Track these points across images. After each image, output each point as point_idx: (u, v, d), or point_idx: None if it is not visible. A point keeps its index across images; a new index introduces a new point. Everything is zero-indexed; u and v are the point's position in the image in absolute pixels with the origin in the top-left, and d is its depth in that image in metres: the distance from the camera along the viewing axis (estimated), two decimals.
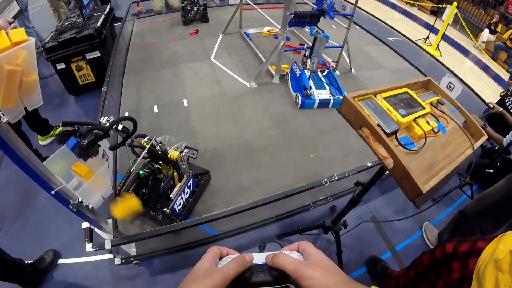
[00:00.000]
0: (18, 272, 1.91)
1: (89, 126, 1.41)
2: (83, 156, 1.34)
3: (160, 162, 2.27)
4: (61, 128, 1.40)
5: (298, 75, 4.05)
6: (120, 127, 1.62)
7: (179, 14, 6.24)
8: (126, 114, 3.51)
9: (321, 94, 3.85)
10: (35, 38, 4.13)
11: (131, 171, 1.98)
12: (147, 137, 2.04)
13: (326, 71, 4.17)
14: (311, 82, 3.90)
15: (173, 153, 2.20)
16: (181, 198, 2.34)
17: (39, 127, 2.99)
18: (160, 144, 2.15)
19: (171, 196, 2.25)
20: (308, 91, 3.82)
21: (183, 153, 2.30)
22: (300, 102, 3.79)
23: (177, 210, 2.30)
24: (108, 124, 1.53)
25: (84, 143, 1.35)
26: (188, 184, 2.43)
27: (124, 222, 2.41)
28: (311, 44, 3.97)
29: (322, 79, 4.07)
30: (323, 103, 3.83)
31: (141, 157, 1.99)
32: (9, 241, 2.33)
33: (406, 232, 2.63)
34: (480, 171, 3.01)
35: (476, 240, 1.18)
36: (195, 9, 5.86)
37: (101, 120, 1.62)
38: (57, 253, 2.24)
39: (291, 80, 4.18)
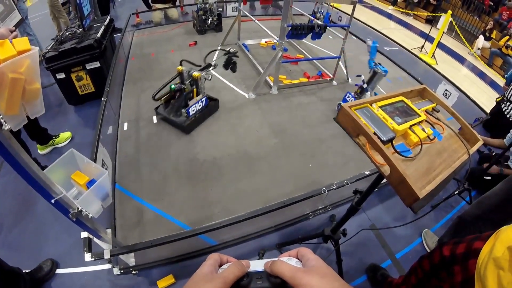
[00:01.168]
0: (16, 281, 1.89)
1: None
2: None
3: (187, 85, 3.32)
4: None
5: None
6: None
7: (179, 25, 6.33)
8: (126, 124, 3.53)
9: None
10: (38, 47, 4.17)
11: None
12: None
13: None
14: None
15: (195, 74, 3.28)
16: (195, 107, 3.39)
17: (38, 136, 3.01)
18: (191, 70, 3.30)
19: (189, 103, 3.33)
20: None
21: (203, 74, 3.36)
22: None
23: (190, 114, 3.37)
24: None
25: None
26: (202, 100, 3.48)
27: (123, 232, 2.41)
28: (310, 56, 4.00)
29: None
30: None
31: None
32: (7, 250, 2.32)
33: (406, 240, 2.63)
34: (477, 177, 3.03)
35: (471, 240, 1.19)
36: (210, 19, 5.94)
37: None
38: (55, 263, 2.22)
39: None
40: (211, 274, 0.47)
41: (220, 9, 5.32)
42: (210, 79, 3.45)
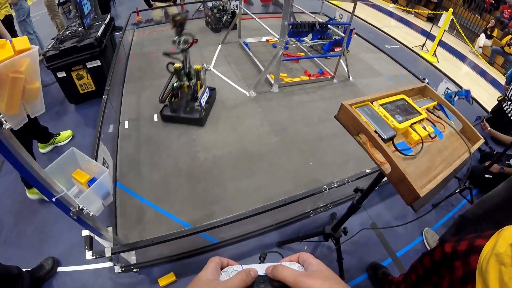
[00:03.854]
0: (14, 282, 1.88)
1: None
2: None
3: (184, 81, 3.33)
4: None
5: None
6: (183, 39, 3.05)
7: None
8: (126, 123, 3.53)
9: None
10: (37, 45, 4.13)
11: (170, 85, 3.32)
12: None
13: None
14: None
15: (197, 66, 3.35)
16: (204, 98, 3.49)
17: (38, 134, 3.01)
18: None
19: (198, 95, 3.42)
20: None
21: (204, 65, 3.39)
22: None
23: (203, 105, 3.46)
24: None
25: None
26: (206, 90, 3.56)
27: (124, 230, 2.42)
28: (309, 54, 4.00)
29: None
30: None
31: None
32: (8, 248, 2.33)
33: (407, 238, 2.63)
34: (479, 175, 3.02)
35: (473, 238, 1.19)
36: (225, 17, 5.96)
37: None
38: (56, 261, 2.22)
39: None
40: (215, 281, 0.47)
41: (235, 6, 5.28)
42: (210, 69, 3.56)
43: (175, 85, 3.32)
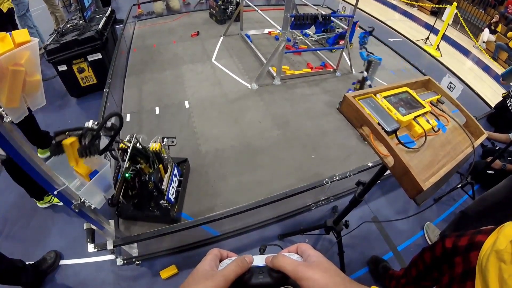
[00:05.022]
0: (18, 274, 1.90)
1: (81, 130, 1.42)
2: (85, 155, 1.34)
3: (141, 163, 2.18)
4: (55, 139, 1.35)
5: None
6: (108, 124, 1.57)
7: (180, 16, 6.30)
8: (128, 116, 3.52)
9: None
10: (38, 39, 4.06)
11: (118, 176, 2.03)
12: (127, 137, 2.03)
13: None
14: None
15: (154, 146, 2.28)
16: (172, 187, 2.43)
17: (39, 140, 2.93)
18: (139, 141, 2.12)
19: (162, 188, 2.29)
20: None
21: (164, 143, 2.39)
22: None
23: (172, 200, 2.39)
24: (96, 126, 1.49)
25: (86, 143, 1.36)
26: (174, 173, 2.53)
27: (126, 223, 2.42)
28: (313, 47, 3.96)
29: None
30: None
31: (127, 158, 1.93)
32: (11, 242, 2.34)
33: (408, 232, 2.63)
34: (480, 171, 3.01)
35: (474, 234, 1.19)
36: (230, 8, 5.92)
37: (86, 125, 1.52)
38: (59, 254, 2.24)
39: None
40: (212, 271, 0.47)
41: None
42: (175, 144, 2.56)
43: (127, 175, 2.10)
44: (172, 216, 2.35)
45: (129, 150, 1.95)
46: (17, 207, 2.61)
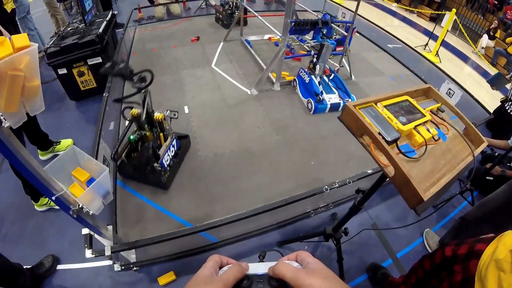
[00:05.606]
0: (16, 277, 1.89)
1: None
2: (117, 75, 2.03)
3: (147, 130, 2.55)
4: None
5: (307, 81, 4.08)
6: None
7: (181, 21, 6.32)
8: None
9: (332, 98, 3.93)
10: (38, 42, 4.08)
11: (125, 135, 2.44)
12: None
13: (332, 75, 4.22)
14: (321, 88, 3.95)
15: (157, 115, 2.59)
16: (168, 155, 2.72)
17: (39, 141, 2.94)
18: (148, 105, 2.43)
19: (159, 153, 2.58)
20: (320, 96, 3.87)
21: (166, 114, 2.67)
22: (313, 107, 3.84)
23: (165, 166, 2.66)
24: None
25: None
26: (173, 144, 2.82)
27: (124, 229, 2.41)
28: (312, 50, 3.99)
29: (330, 83, 4.11)
30: (334, 107, 3.92)
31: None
32: (8, 246, 2.32)
33: (407, 239, 2.62)
34: (480, 177, 3.01)
35: (474, 242, 1.18)
36: (236, 13, 5.95)
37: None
38: (56, 258, 2.22)
39: (300, 87, 4.21)
40: (211, 277, 0.47)
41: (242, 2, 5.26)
42: (177, 117, 2.78)
43: (131, 137, 2.48)
44: (163, 181, 2.65)
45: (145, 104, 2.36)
46: (14, 209, 2.60)
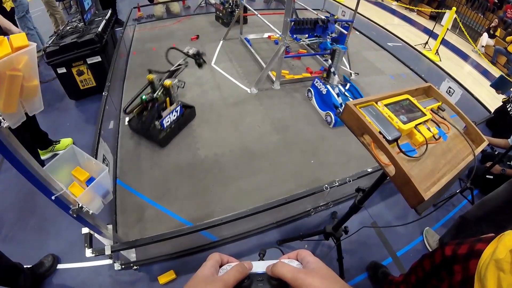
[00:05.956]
0: (16, 277, 1.89)
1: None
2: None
3: (159, 94, 3.01)
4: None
5: (324, 93, 3.80)
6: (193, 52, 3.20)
7: (180, 19, 6.31)
8: (127, 119, 3.50)
9: None
10: (38, 41, 4.08)
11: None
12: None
13: (348, 84, 4.01)
14: (340, 99, 3.65)
15: (167, 82, 3.02)
16: (169, 118, 3.18)
17: (38, 140, 2.93)
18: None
19: (162, 114, 3.07)
20: (340, 109, 3.59)
21: (174, 82, 3.10)
22: (333, 121, 3.63)
23: (165, 126, 3.14)
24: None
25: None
26: (176, 109, 3.26)
27: (124, 228, 2.41)
28: (312, 51, 3.96)
29: (347, 94, 3.87)
30: None
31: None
32: (8, 245, 2.32)
33: (407, 238, 2.62)
34: (480, 176, 3.01)
35: (474, 242, 1.18)
36: (237, 11, 5.94)
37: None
38: (56, 258, 2.22)
39: (316, 98, 3.98)
40: (212, 276, 0.47)
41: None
42: (183, 87, 3.25)
43: (143, 97, 2.98)
44: (160, 138, 3.11)
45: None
46: (15, 209, 2.60)
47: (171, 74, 3.14)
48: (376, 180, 1.37)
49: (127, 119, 3.47)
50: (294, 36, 5.23)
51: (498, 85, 3.80)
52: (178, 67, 3.15)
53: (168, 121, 3.16)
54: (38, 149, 2.99)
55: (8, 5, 3.61)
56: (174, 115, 3.25)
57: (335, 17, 5.07)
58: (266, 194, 2.76)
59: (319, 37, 4.29)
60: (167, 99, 3.12)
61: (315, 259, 0.49)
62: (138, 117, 3.16)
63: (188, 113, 3.47)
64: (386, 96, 1.16)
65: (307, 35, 4.32)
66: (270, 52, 4.98)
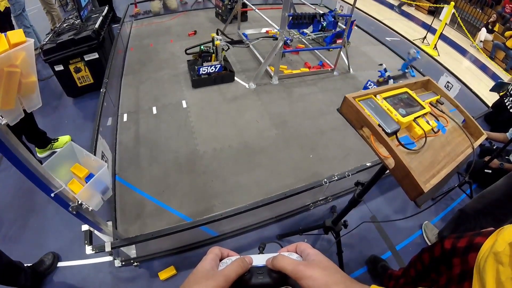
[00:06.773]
0: (17, 275, 1.89)
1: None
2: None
3: (213, 50, 4.01)
4: None
5: None
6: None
7: (177, 15, 6.27)
8: (125, 116, 3.50)
9: None
10: (34, 39, 4.07)
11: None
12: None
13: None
14: None
15: (217, 42, 3.90)
16: (206, 69, 3.98)
17: (36, 138, 2.91)
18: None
19: (204, 64, 3.96)
20: None
21: (222, 44, 3.96)
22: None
23: (200, 72, 3.97)
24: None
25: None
26: (216, 66, 4.01)
27: (124, 224, 2.41)
28: (310, 46, 3.96)
29: None
30: None
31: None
32: (8, 244, 2.32)
33: (406, 232, 2.63)
34: (478, 170, 3.02)
35: (473, 235, 1.18)
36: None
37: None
38: (56, 256, 2.22)
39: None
40: (213, 270, 0.47)
41: None
42: (227, 50, 4.09)
43: (202, 48, 4.07)
44: (193, 79, 4.02)
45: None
46: (14, 207, 2.59)
47: (232, 42, 4.19)
48: (375, 174, 1.37)
49: (125, 115, 3.49)
50: (301, 30, 5.22)
51: (497, 89, 3.82)
52: (246, 41, 4.58)
53: (205, 71, 3.97)
54: (36, 148, 2.98)
55: (1, 5, 3.58)
56: (212, 69, 4.00)
57: (338, 11, 5.06)
58: (266, 189, 2.76)
59: (324, 31, 4.29)
60: (213, 55, 4.00)
61: (314, 251, 0.49)
62: (193, 61, 4.30)
63: (226, 74, 4.17)
64: (385, 89, 1.15)
65: (312, 29, 4.33)
66: (268, 47, 4.96)
